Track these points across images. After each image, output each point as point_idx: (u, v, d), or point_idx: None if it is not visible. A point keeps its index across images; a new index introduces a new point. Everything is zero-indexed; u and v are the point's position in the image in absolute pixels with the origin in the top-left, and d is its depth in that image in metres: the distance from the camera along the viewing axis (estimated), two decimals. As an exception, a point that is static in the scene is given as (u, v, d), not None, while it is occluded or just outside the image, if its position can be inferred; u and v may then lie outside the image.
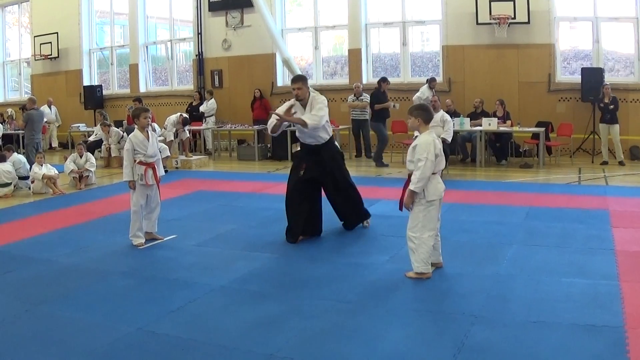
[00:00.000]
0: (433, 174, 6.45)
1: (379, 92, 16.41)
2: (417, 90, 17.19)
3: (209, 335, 5.28)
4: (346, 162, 15.63)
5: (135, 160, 8.36)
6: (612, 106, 14.70)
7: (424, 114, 6.66)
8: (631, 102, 15.74)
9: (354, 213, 9.12)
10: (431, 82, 16.76)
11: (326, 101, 8.61)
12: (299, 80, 8.72)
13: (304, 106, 8.51)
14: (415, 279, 6.56)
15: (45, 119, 19.56)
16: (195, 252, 8.08)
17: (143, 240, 8.45)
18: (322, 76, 20.31)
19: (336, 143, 9.53)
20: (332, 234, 8.82)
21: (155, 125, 16.62)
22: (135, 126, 8.67)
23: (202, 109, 20.02)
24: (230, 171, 16.23)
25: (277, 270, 7.20)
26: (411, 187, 6.44)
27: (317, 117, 8.30)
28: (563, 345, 4.85)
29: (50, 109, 20.94)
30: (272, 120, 8.46)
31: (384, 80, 16.51)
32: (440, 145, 6.56)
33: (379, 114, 16.28)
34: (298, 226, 8.50)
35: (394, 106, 16.14)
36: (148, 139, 8.43)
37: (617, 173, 13.90)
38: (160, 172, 8.69)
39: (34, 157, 14.35)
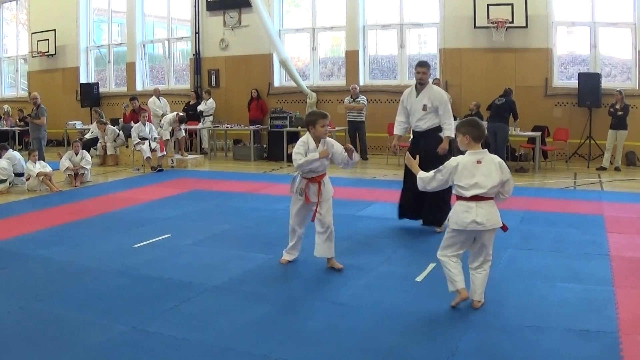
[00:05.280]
0: (460, 199, 5.61)
1: None
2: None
3: (203, 335, 5.27)
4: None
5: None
6: (621, 112, 14.73)
7: (474, 130, 5.75)
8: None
9: (435, 210, 8.74)
10: (433, 81, 16.85)
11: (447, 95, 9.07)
12: (425, 65, 9.03)
13: (419, 91, 8.96)
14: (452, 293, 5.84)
15: (160, 111, 19.53)
16: (190, 252, 8.06)
17: (289, 259, 7.36)
18: (319, 77, 20.31)
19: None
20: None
21: (152, 125, 16.68)
22: (309, 133, 6.94)
23: (200, 108, 19.99)
24: (225, 171, 16.22)
25: (272, 271, 7.18)
26: (419, 174, 5.95)
27: (452, 125, 8.61)
28: (557, 350, 4.85)
29: (159, 99, 20.44)
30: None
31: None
32: (479, 171, 5.59)
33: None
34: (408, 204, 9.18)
35: None
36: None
37: (613, 178, 13.92)
38: None
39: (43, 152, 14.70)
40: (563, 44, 17.29)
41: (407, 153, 6.78)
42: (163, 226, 9.46)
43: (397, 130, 9.42)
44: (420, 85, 8.93)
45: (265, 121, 19.32)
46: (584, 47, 16.92)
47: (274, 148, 17.96)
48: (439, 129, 8.86)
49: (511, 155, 16.07)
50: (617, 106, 14.84)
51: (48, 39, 23.67)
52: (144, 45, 23.08)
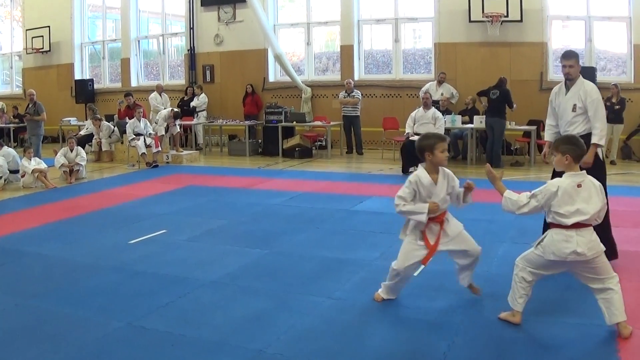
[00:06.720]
0: (557, 226, 4.94)
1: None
2: (409, 88, 17.38)
3: (199, 330, 5.27)
4: (336, 158, 15.60)
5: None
6: (617, 106, 14.75)
7: (576, 149, 5.03)
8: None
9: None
10: (439, 75, 17.15)
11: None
12: (572, 56, 7.54)
13: (568, 88, 7.52)
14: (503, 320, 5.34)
15: (161, 107, 19.48)
16: (186, 247, 8.06)
17: (387, 298, 5.92)
18: (314, 72, 20.29)
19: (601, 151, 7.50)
20: (322, 230, 8.82)
21: (147, 121, 16.67)
22: (421, 165, 5.67)
23: (193, 103, 20.00)
24: (221, 166, 16.21)
25: (267, 266, 7.18)
26: (505, 193, 5.23)
27: (603, 130, 7.21)
28: (554, 343, 4.86)
29: (161, 96, 20.47)
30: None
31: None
32: (580, 196, 4.90)
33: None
34: None
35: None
36: (436, 183, 5.58)
37: (608, 172, 13.88)
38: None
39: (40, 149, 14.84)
40: (558, 38, 17.28)
41: (488, 165, 5.66)
42: (158, 222, 9.45)
43: (548, 136, 7.84)
44: (569, 81, 7.53)
45: (260, 116, 19.35)
46: (579, 41, 16.89)
47: (269, 143, 17.95)
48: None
49: (507, 149, 16.08)
50: (614, 100, 14.85)
51: (42, 36, 23.64)
52: (139, 41, 23.03)
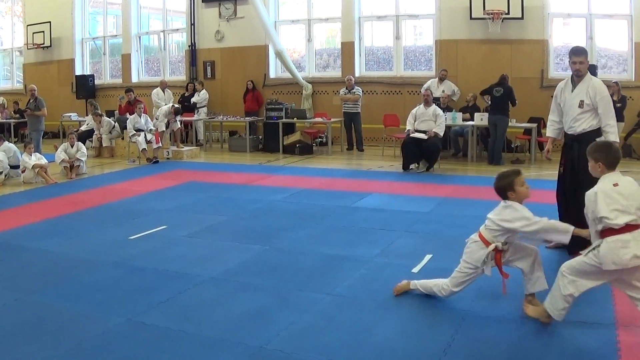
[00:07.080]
0: (610, 233, 4.71)
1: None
2: (410, 85, 17.37)
3: (199, 326, 5.27)
4: (337, 155, 15.57)
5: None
6: (619, 104, 14.72)
7: (608, 156, 4.97)
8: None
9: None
10: (440, 72, 17.25)
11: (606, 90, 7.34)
12: (582, 52, 7.40)
13: (575, 84, 7.43)
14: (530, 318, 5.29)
15: (163, 103, 19.35)
16: (186, 243, 8.06)
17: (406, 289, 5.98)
18: (315, 68, 20.26)
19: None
20: (323, 227, 8.83)
21: (147, 116, 16.66)
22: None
23: (194, 99, 19.97)
24: (221, 162, 16.20)
25: (268, 262, 7.17)
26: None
27: (615, 127, 7.17)
28: (553, 342, 4.86)
29: (164, 92, 20.44)
30: None
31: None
32: (620, 194, 4.76)
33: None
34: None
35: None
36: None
37: (608, 170, 13.86)
38: None
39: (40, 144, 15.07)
40: (559, 35, 17.26)
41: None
42: (159, 218, 9.44)
43: (550, 132, 7.92)
44: (577, 77, 7.42)
45: (260, 112, 19.33)
46: (580, 38, 16.86)
47: (270, 139, 17.92)
48: (598, 132, 7.19)
49: (507, 147, 16.06)
50: (615, 98, 14.79)
51: (43, 31, 23.62)
52: (140, 37, 23.00)
